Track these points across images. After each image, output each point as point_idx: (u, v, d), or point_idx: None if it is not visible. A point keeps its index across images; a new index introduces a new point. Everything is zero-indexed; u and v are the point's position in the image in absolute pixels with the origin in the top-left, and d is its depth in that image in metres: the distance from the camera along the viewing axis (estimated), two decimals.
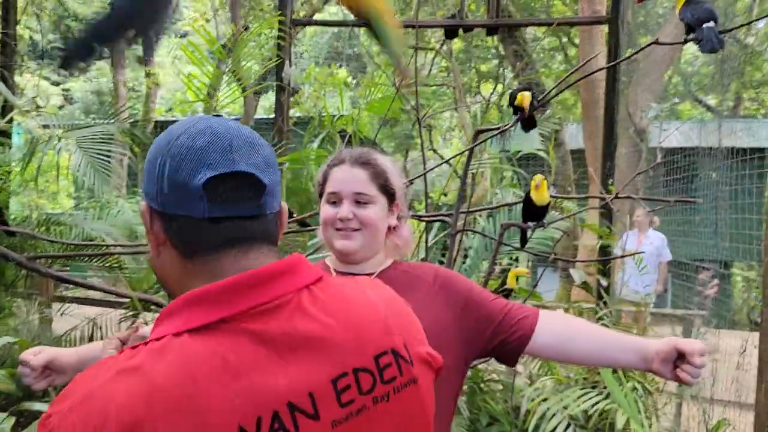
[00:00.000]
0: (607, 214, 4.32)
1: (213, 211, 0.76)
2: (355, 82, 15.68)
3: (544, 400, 2.38)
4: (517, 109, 2.50)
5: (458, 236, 2.70)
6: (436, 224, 3.94)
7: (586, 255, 5.84)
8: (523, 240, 2.73)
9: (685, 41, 2.15)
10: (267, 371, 0.71)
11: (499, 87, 13.26)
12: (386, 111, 3.81)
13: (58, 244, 4.10)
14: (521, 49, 7.14)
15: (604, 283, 4.13)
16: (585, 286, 4.09)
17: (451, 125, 16.88)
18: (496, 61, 13.68)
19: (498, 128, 2.71)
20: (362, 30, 14.64)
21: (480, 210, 3.66)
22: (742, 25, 2.46)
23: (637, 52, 3.48)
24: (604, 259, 3.71)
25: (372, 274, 1.44)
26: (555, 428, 2.28)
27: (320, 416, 0.73)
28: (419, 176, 2.92)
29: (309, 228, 3.05)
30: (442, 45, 12.68)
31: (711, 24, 2.00)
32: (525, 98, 2.40)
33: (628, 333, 3.33)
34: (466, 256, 4.03)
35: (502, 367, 3.39)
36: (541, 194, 2.44)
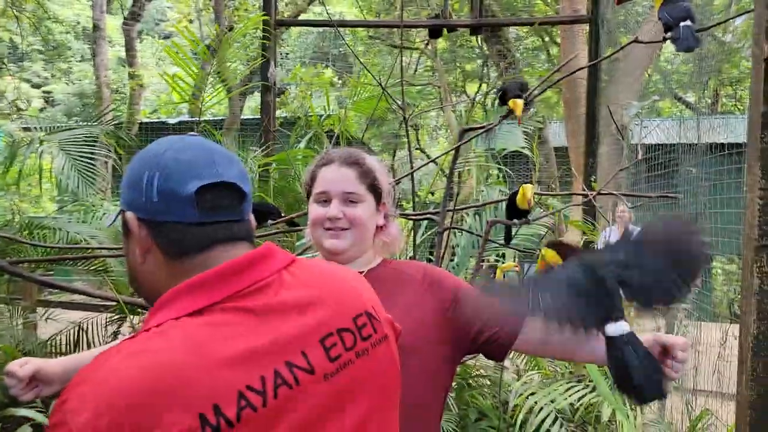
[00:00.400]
0: (590, 210, 4.38)
1: (202, 216, 0.86)
2: (341, 82, 15.66)
3: (532, 394, 2.41)
4: (504, 101, 2.47)
5: (445, 234, 2.72)
6: (424, 223, 3.96)
7: None
8: (508, 236, 2.77)
9: (664, 39, 2.20)
10: (263, 338, 0.80)
11: (484, 86, 13.35)
12: (372, 111, 3.82)
13: (41, 248, 4.05)
14: (505, 48, 7.19)
15: None
16: None
17: (437, 124, 16.94)
18: (480, 61, 13.75)
19: (483, 127, 2.74)
20: (348, 30, 14.63)
21: (466, 208, 3.69)
22: (719, 23, 2.51)
23: (617, 51, 3.53)
24: None
25: (361, 272, 1.45)
26: (542, 422, 2.31)
27: (315, 370, 0.83)
28: (406, 175, 2.94)
29: (297, 228, 3.06)
30: (426, 45, 12.72)
31: (688, 23, 2.05)
32: (518, 106, 2.37)
33: None
34: (454, 254, 4.06)
35: (490, 363, 3.42)
36: (524, 200, 2.50)
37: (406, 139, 3.18)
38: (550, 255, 1.50)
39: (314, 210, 1.44)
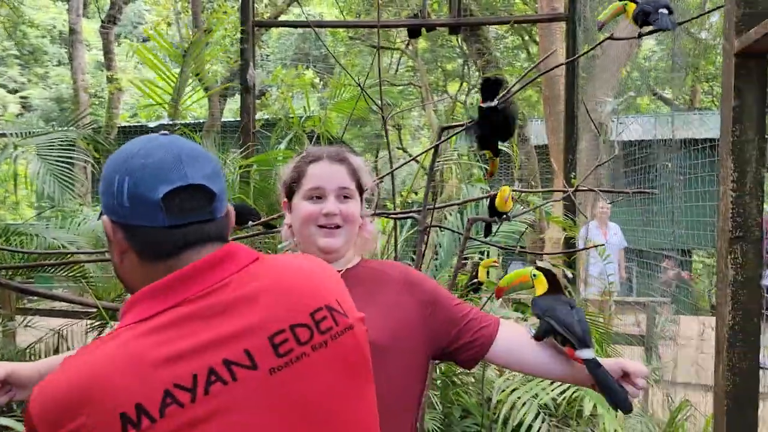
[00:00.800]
0: (570, 206, 4.42)
1: (171, 220, 0.88)
2: (322, 83, 15.63)
3: (514, 390, 2.43)
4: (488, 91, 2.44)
5: (427, 232, 2.73)
6: (408, 222, 3.97)
7: (552, 247, 5.95)
8: (488, 231, 2.81)
9: (640, 36, 2.25)
10: (203, 338, 0.83)
11: (465, 85, 13.42)
12: (351, 111, 3.82)
13: (19, 255, 3.98)
14: (484, 47, 7.23)
15: (569, 275, 4.23)
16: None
17: (420, 124, 16.99)
18: (461, 60, 13.82)
19: (462, 125, 2.75)
20: (328, 31, 14.61)
21: (447, 206, 3.70)
22: (694, 18, 2.55)
23: (592, 48, 3.58)
24: (569, 252, 3.79)
25: (339, 271, 1.45)
26: (525, 417, 2.33)
27: (258, 366, 0.85)
28: (387, 174, 2.94)
29: (274, 230, 3.05)
30: (407, 45, 12.76)
31: (665, 11, 2.13)
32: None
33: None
34: (437, 254, 4.07)
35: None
36: (503, 202, 2.56)
37: (389, 141, 3.19)
38: (541, 281, 1.55)
39: (305, 207, 1.41)
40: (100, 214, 0.95)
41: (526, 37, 13.77)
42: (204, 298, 0.86)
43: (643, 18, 2.25)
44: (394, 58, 14.49)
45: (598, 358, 1.37)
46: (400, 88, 13.89)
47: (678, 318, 3.74)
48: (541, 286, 1.53)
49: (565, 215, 4.47)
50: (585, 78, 5.35)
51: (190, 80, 4.03)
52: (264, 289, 0.90)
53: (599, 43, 2.67)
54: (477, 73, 9.74)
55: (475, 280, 3.84)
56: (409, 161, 3.44)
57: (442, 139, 2.78)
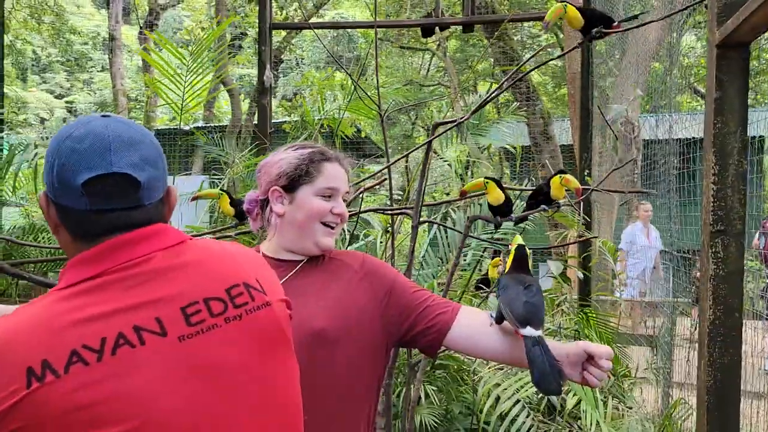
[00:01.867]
0: (587, 207, 4.36)
1: (95, 204, 0.91)
2: (352, 85, 15.77)
3: (497, 385, 2.43)
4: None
5: (416, 229, 2.76)
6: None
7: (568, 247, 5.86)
8: (497, 225, 2.77)
9: (590, 37, 2.31)
10: (116, 305, 0.88)
11: (495, 85, 13.31)
12: (380, 111, 3.87)
13: (46, 251, 4.20)
14: (507, 46, 7.18)
15: (579, 275, 4.17)
16: (562, 277, 4.14)
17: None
18: (491, 60, 13.71)
19: (454, 121, 2.77)
20: (359, 34, 14.73)
21: (442, 203, 3.71)
22: (684, 9, 2.50)
23: (601, 36, 3.51)
24: (561, 245, 3.73)
25: (300, 261, 1.50)
26: (509, 411, 2.33)
27: (167, 333, 0.90)
28: (383, 168, 2.98)
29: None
30: (438, 46, 12.75)
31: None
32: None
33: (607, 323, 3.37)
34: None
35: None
36: (559, 190, 2.50)
37: (417, 140, 3.24)
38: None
39: (318, 203, 1.45)
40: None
41: (561, 35, 13.56)
42: (126, 270, 0.91)
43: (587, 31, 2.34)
44: (426, 59, 14.51)
45: (555, 342, 1.34)
46: (430, 88, 13.88)
47: (674, 318, 3.63)
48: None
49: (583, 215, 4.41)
50: (602, 75, 5.25)
51: (209, 81, 4.16)
52: (184, 265, 0.95)
53: (607, 34, 2.62)
54: (501, 73, 9.66)
55: (486, 277, 3.84)
56: (398, 159, 3.47)
57: (436, 134, 2.80)
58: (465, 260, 3.53)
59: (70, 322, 0.85)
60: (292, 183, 1.47)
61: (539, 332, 1.34)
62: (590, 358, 1.31)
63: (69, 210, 0.93)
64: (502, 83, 2.59)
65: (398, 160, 3.45)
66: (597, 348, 1.31)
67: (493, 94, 2.70)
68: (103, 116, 0.98)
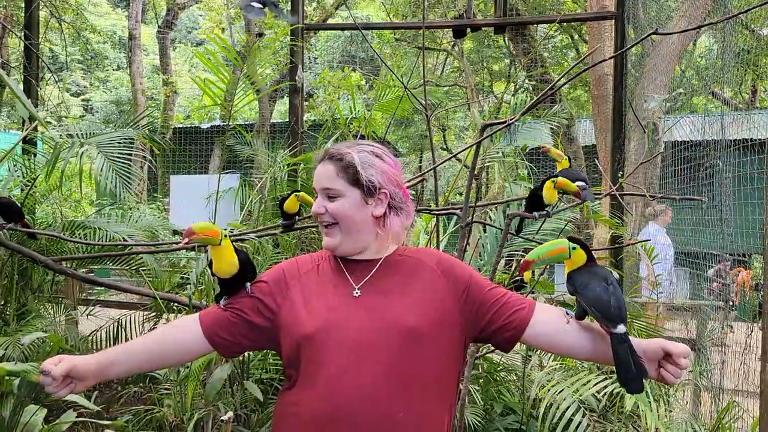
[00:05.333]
0: (618, 205, 4.36)
1: None
2: (368, 85, 15.81)
3: (554, 385, 2.44)
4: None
5: (469, 229, 2.77)
6: (452, 223, 4.01)
7: (599, 247, 5.85)
8: (519, 228, 2.80)
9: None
10: None
11: (511, 85, 13.29)
12: (394, 110, 3.89)
13: (82, 248, 4.24)
14: (531, 47, 7.18)
15: (616, 275, 4.17)
16: None
17: (465, 125, 16.93)
18: (507, 61, 13.69)
19: (504, 122, 2.78)
20: (374, 33, 14.75)
21: (490, 204, 3.72)
22: (739, 13, 2.47)
23: (635, 44, 3.52)
24: (615, 247, 3.74)
25: (373, 260, 1.50)
26: (565, 412, 2.33)
27: None
28: (427, 171, 3.00)
29: (294, 228, 3.17)
30: (453, 46, 12.75)
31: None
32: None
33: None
34: (480, 255, 4.09)
35: (516, 357, 3.44)
36: (551, 193, 2.54)
37: (432, 140, 3.25)
38: (579, 254, 1.49)
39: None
40: None
41: (576, 36, 13.53)
42: None
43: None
44: (440, 59, 14.51)
45: (633, 338, 1.35)
46: (446, 88, 13.89)
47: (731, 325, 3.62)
48: (580, 259, 1.46)
49: (612, 214, 4.41)
50: (636, 77, 5.25)
51: (241, 83, 4.19)
52: None
53: (641, 40, 2.65)
54: (524, 73, 9.65)
55: (518, 277, 3.84)
56: (448, 159, 3.49)
57: (484, 136, 2.81)
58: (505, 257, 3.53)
59: None
60: None
61: (625, 329, 1.35)
62: (667, 356, 1.33)
63: None
64: (550, 87, 2.59)
65: (446, 161, 3.45)
66: (675, 347, 1.33)
67: (540, 98, 2.70)
68: None
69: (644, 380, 1.30)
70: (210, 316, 1.51)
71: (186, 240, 1.46)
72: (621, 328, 1.34)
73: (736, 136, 3.34)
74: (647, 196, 3.15)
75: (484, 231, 3.77)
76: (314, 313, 1.41)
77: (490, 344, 1.53)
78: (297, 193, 3.06)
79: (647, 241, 3.65)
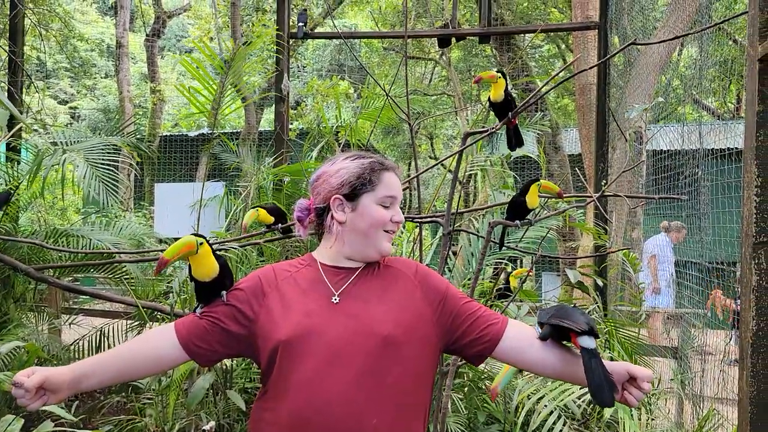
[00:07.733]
0: (601, 214, 4.39)
1: None
2: (357, 94, 15.86)
3: (534, 392, 2.44)
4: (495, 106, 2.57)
5: (450, 237, 2.78)
6: (439, 231, 4.01)
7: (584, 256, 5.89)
8: (502, 240, 2.81)
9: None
10: None
11: None
12: (376, 118, 3.91)
13: (66, 256, 4.20)
14: (516, 56, 7.24)
15: (600, 283, 4.19)
16: (580, 286, 4.16)
17: (453, 133, 17.01)
18: (495, 69, 13.79)
19: (486, 131, 2.80)
20: (362, 42, 14.82)
21: (472, 211, 3.73)
22: (718, 23, 2.52)
23: (614, 54, 3.57)
24: (597, 255, 3.76)
25: (353, 268, 1.52)
26: (546, 420, 2.34)
27: None
28: (412, 179, 3.01)
29: (292, 234, 3.15)
30: (441, 55, 12.84)
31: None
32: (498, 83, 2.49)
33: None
34: (469, 262, 4.10)
35: (500, 366, 3.44)
36: (534, 198, 2.56)
37: (419, 148, 3.27)
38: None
39: (380, 211, 1.50)
40: None
41: (563, 46, 13.69)
42: None
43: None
44: (429, 68, 14.60)
45: (602, 357, 1.39)
46: (434, 97, 13.96)
47: (705, 331, 3.65)
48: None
49: (596, 223, 4.44)
50: (620, 86, 5.31)
51: (229, 90, 4.19)
52: None
53: (621, 49, 2.68)
54: (511, 83, 9.72)
55: (502, 286, 3.85)
56: (431, 167, 3.50)
57: (466, 144, 2.83)
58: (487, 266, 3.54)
59: None
60: (354, 191, 1.50)
61: (596, 345, 1.37)
62: (632, 379, 1.36)
63: None
64: (533, 95, 2.62)
65: (428, 169, 3.45)
66: (639, 370, 1.37)
67: (523, 106, 2.73)
68: None
69: (614, 394, 1.33)
70: (186, 324, 1.50)
71: (160, 269, 1.50)
72: (592, 343, 1.37)
73: (714, 145, 3.40)
74: (624, 197, 3.17)
75: (473, 239, 3.78)
76: (291, 319, 1.41)
77: (460, 357, 1.54)
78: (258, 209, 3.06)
79: (628, 249, 3.66)
